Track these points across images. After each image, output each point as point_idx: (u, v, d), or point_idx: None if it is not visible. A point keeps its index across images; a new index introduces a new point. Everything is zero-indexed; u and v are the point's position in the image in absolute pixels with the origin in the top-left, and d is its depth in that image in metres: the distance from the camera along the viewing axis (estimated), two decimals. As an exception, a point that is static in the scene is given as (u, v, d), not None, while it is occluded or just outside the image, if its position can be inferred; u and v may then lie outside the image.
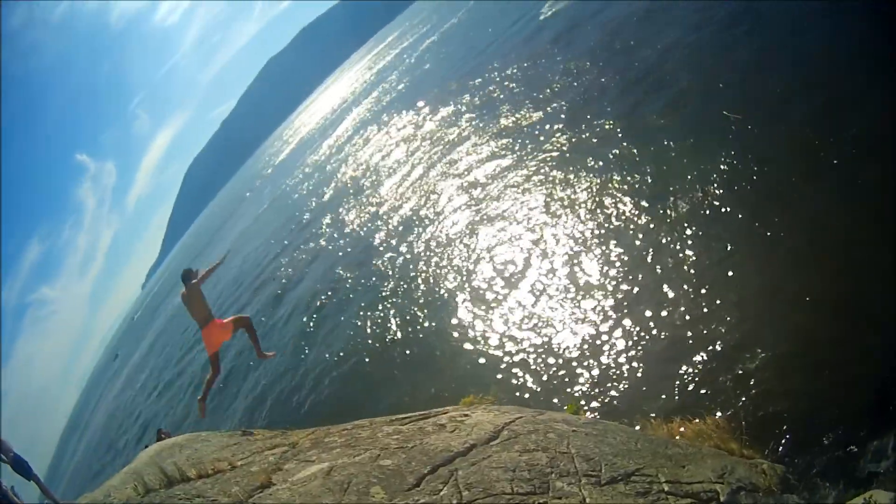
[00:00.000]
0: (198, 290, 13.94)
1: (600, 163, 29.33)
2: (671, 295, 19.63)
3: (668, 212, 22.56)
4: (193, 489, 8.20)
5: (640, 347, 18.42)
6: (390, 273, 36.96)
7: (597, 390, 18.09)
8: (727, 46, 29.12)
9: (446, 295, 29.44)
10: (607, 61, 39.46)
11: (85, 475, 61.16)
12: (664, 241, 21.75)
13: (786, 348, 15.37)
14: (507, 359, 22.08)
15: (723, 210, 21.18)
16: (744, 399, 14.35)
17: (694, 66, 29.99)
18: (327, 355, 33.41)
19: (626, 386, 17.31)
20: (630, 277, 21.49)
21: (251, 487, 7.90)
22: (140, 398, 67.40)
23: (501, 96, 50.80)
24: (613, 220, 24.91)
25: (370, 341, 31.37)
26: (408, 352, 27.81)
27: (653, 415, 14.87)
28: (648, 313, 19.58)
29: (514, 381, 20.79)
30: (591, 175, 29.21)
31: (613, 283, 21.67)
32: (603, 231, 24.78)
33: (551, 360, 20.43)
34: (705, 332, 17.49)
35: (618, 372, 18.02)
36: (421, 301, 31.09)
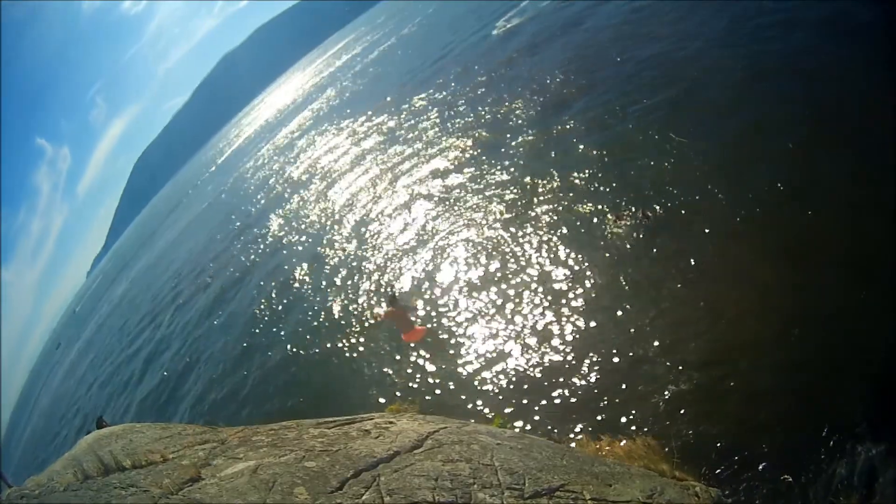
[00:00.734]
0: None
1: (543, 177, 29.78)
2: (605, 314, 19.82)
3: (606, 230, 23.03)
4: (128, 479, 8.20)
5: (570, 365, 18.56)
6: (328, 277, 36.99)
7: (524, 405, 18.18)
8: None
9: (381, 303, 29.54)
10: (564, 74, 40.27)
11: (30, 461, 59.88)
12: (601, 260, 22.14)
13: (720, 372, 15.66)
14: (435, 369, 22.16)
15: (662, 231, 21.64)
16: (675, 420, 14.55)
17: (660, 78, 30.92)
18: (261, 357, 33.29)
19: (555, 402, 17.44)
20: (565, 294, 21.67)
21: (181, 480, 7.92)
22: (81, 389, 66.15)
23: (451, 103, 51.38)
24: (551, 236, 25.24)
25: (301, 344, 31.40)
26: (338, 358, 27.74)
27: (580, 432, 15.06)
28: (581, 331, 19.75)
29: (441, 392, 20.86)
30: (533, 189, 29.62)
31: (548, 299, 21.82)
32: (540, 247, 25.09)
33: (480, 373, 20.49)
34: (638, 351, 17.74)
35: (547, 388, 18.16)
36: (355, 307, 31.16)
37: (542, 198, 27.96)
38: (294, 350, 31.33)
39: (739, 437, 13.96)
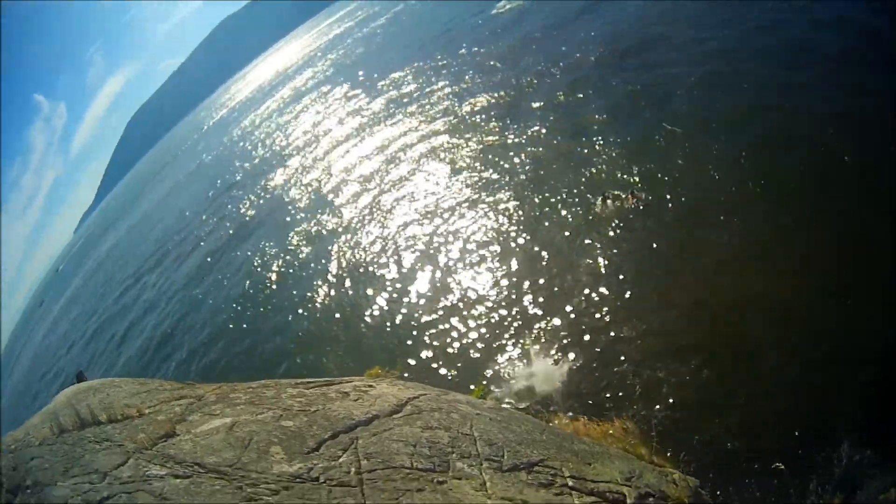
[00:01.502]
0: None
1: (526, 158, 30.06)
2: (587, 295, 19.89)
3: (595, 211, 23.12)
4: (103, 433, 8.11)
5: (553, 344, 18.62)
6: (313, 240, 37.14)
7: (504, 379, 18.26)
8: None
9: (365, 268, 29.61)
10: (556, 55, 40.39)
11: (10, 420, 59.73)
12: (587, 241, 22.19)
13: (699, 360, 15.66)
14: (417, 337, 22.27)
15: (650, 213, 21.71)
16: (654, 406, 14.55)
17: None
18: (243, 318, 33.39)
19: (535, 379, 17.48)
20: (550, 272, 21.80)
21: (156, 436, 7.82)
22: (62, 349, 65.70)
23: (443, 77, 51.60)
24: (537, 213, 25.45)
25: (286, 305, 31.49)
26: (321, 319, 27.94)
27: (558, 410, 15.05)
28: (563, 310, 19.82)
29: (423, 359, 20.96)
30: (518, 168, 29.76)
31: (534, 277, 21.93)
32: (526, 224, 25.25)
33: (463, 344, 20.61)
34: (619, 334, 17.75)
35: (528, 364, 18.22)
36: (339, 271, 31.21)
37: (535, 179, 27.97)
38: (276, 311, 31.40)
39: (719, 429, 13.95)
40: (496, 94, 40.50)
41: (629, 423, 11.36)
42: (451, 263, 25.44)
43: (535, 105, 35.01)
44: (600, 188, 23.84)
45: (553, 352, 18.16)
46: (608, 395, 15.62)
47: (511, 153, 31.38)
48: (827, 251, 17.07)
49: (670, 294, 18.20)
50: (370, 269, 29.20)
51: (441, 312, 22.72)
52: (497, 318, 20.78)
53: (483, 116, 38.33)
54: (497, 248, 24.57)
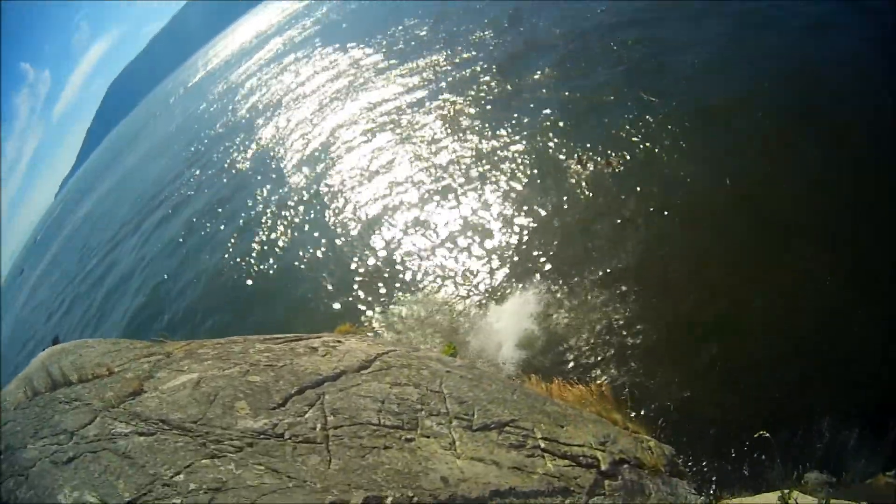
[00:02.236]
0: None
1: (513, 122, 30.02)
2: (563, 257, 19.99)
3: (570, 173, 23.18)
4: (73, 393, 8.01)
5: (525, 305, 18.66)
6: (287, 196, 37.35)
7: (475, 338, 18.28)
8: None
9: (339, 226, 29.80)
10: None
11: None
12: (561, 200, 22.30)
13: (677, 330, 15.69)
14: (388, 294, 22.44)
15: (625, 176, 21.79)
16: (630, 373, 14.58)
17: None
18: (219, 278, 33.60)
19: (507, 340, 17.50)
20: (525, 232, 21.97)
21: (124, 393, 7.70)
22: (40, 317, 65.18)
23: (428, 41, 51.38)
24: (512, 172, 25.75)
25: (258, 261, 31.95)
26: (293, 277, 28.27)
27: (530, 372, 15.01)
28: (540, 272, 19.89)
29: (394, 317, 21.07)
30: (501, 127, 29.83)
31: (507, 237, 22.11)
32: (499, 183, 25.47)
33: (434, 302, 20.74)
34: (594, 299, 17.78)
35: (499, 325, 18.25)
36: (312, 226, 31.50)
37: (509, 142, 28.00)
38: (249, 271, 31.55)
39: (696, 398, 13.98)
40: (485, 61, 40.30)
41: (604, 387, 11.26)
42: (423, 222, 25.67)
43: (519, 74, 34.90)
44: (575, 151, 23.89)
45: (525, 313, 18.17)
46: (581, 360, 15.65)
47: (490, 116, 31.65)
48: (803, 219, 17.17)
49: (645, 259, 18.25)
50: (344, 228, 29.37)
51: (412, 271, 23.02)
52: (469, 279, 20.90)
53: (467, 83, 38.16)
54: (469, 206, 24.73)
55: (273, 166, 45.56)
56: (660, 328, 15.85)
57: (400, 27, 62.09)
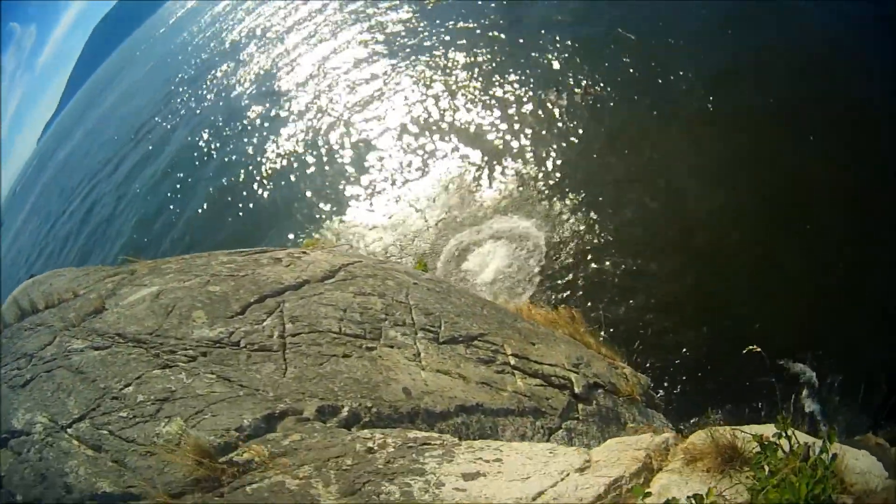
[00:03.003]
0: None
1: (486, 50, 29.89)
2: (538, 184, 19.99)
3: (547, 99, 23.12)
4: (38, 319, 7.84)
5: (497, 230, 18.66)
6: (264, 125, 37.46)
7: (446, 258, 18.24)
8: None
9: (313, 147, 29.98)
10: None
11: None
12: (539, 128, 22.27)
13: (654, 258, 15.61)
14: (358, 212, 22.58)
15: (600, 106, 21.71)
16: (604, 299, 14.47)
17: None
18: (190, 205, 34.02)
19: (477, 260, 17.43)
20: (506, 159, 21.97)
21: (85, 312, 7.50)
22: (21, 262, 64.86)
23: None
24: (490, 100, 25.81)
25: (225, 188, 32.33)
26: (262, 195, 28.77)
27: (499, 291, 14.90)
28: (514, 197, 19.97)
29: (363, 233, 21.04)
30: (477, 59, 29.64)
31: (489, 164, 22.17)
32: (479, 109, 25.56)
33: (403, 222, 20.80)
34: (569, 226, 17.71)
35: (470, 247, 18.20)
36: (286, 151, 31.49)
37: (492, 70, 27.90)
38: (217, 193, 31.54)
39: (673, 332, 13.89)
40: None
41: (575, 311, 11.03)
42: (399, 147, 25.79)
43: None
44: (553, 81, 23.75)
45: (497, 236, 18.15)
46: (555, 283, 15.54)
47: (473, 47, 31.14)
48: (781, 161, 17.05)
49: (622, 188, 18.17)
50: (318, 148, 29.39)
51: (385, 190, 23.17)
52: (443, 203, 20.87)
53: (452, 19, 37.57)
54: (448, 132, 24.75)
55: (249, 93, 45.52)
56: (634, 258, 15.76)
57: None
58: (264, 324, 6.72)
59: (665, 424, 8.69)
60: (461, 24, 33.98)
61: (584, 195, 18.57)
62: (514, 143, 22.02)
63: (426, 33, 34.87)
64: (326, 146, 29.51)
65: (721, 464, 3.64)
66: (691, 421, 11.49)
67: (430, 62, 31.36)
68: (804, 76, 18.93)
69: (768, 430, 7.03)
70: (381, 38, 38.22)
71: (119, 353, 6.42)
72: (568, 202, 18.35)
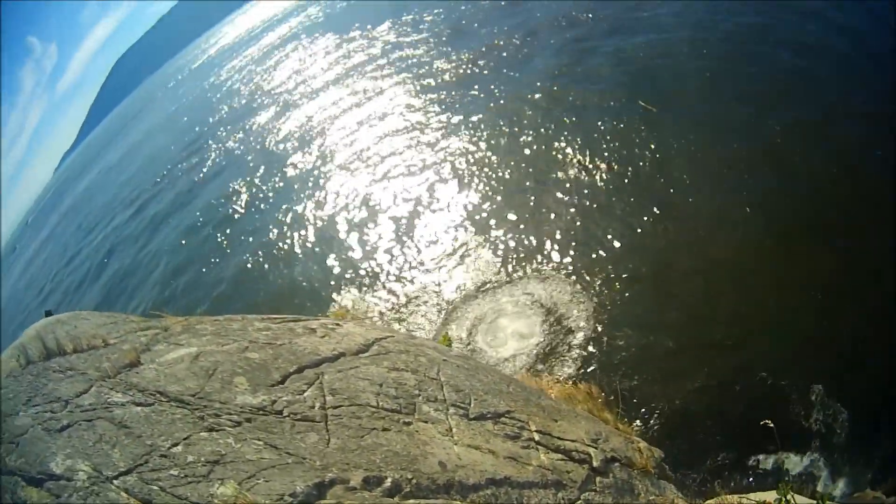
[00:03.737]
0: None
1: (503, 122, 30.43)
2: (555, 257, 20.31)
3: (570, 174, 23.38)
4: (67, 362, 7.99)
5: (517, 303, 18.89)
6: (285, 183, 38.12)
7: (469, 333, 18.47)
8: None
9: (335, 213, 30.25)
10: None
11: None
12: (560, 202, 22.58)
13: (666, 331, 15.86)
14: (384, 281, 22.87)
15: (624, 181, 22.06)
16: (619, 374, 14.68)
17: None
18: (216, 258, 34.30)
19: (500, 335, 17.66)
20: (520, 233, 22.23)
21: (120, 364, 7.70)
22: (31, 295, 65.01)
23: (431, 33, 52.09)
24: (509, 173, 26.42)
25: (255, 246, 32.49)
26: (288, 262, 28.98)
27: (521, 368, 15.16)
28: (532, 272, 20.23)
29: (389, 304, 21.42)
30: (493, 130, 30.24)
31: (502, 236, 22.47)
32: (497, 182, 26.22)
33: (428, 293, 21.01)
34: (582, 301, 17.95)
35: (493, 320, 18.46)
36: (307, 215, 31.87)
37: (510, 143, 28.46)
38: (243, 252, 32.07)
39: (684, 401, 14.09)
40: (482, 59, 40.48)
41: (593, 387, 11.33)
42: (420, 217, 26.02)
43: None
44: (573, 159, 24.27)
45: (517, 309, 18.37)
46: (573, 359, 15.77)
47: (492, 116, 31.82)
48: (789, 221, 17.51)
49: (636, 264, 18.45)
50: (340, 214, 29.69)
51: (406, 260, 23.33)
52: (463, 272, 21.18)
53: (467, 80, 38.36)
54: (470, 202, 25.21)
55: (273, 147, 46.19)
56: (647, 331, 16.03)
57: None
58: (305, 394, 7.02)
59: (677, 495, 8.91)
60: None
61: (598, 266, 19.02)
62: (536, 215, 22.47)
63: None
64: (360, 210, 29.80)
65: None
66: (703, 489, 11.68)
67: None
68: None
69: (772, 496, 7.30)
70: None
71: (163, 412, 6.64)
72: (589, 280, 18.64)
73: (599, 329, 16.61)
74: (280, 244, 30.66)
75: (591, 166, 23.46)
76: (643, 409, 14.10)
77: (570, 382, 11.71)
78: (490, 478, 6.56)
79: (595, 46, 33.89)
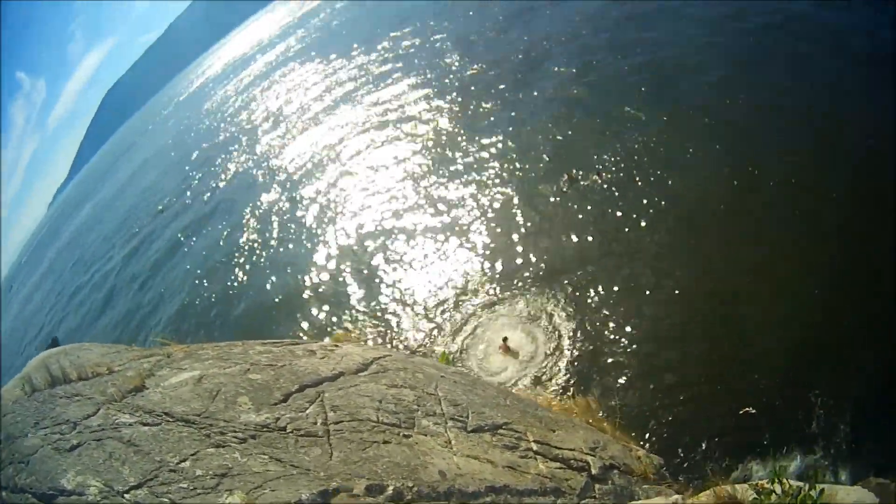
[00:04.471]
0: None
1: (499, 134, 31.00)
2: (550, 272, 20.36)
3: (560, 186, 23.74)
4: (73, 389, 8.22)
5: (514, 319, 19.01)
6: (280, 212, 37.75)
7: (467, 349, 18.58)
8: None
9: (333, 239, 30.10)
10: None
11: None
12: (552, 215, 22.79)
13: (665, 341, 15.96)
14: (383, 304, 22.74)
15: (613, 191, 22.26)
16: (617, 387, 14.78)
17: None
18: (213, 288, 33.88)
19: (498, 352, 17.74)
20: (516, 249, 22.31)
21: (126, 389, 7.90)
22: (30, 331, 64.60)
23: (418, 56, 52.34)
24: (505, 187, 26.42)
25: (252, 275, 32.24)
26: (285, 287, 28.61)
27: (519, 383, 15.31)
28: (529, 288, 20.22)
29: (388, 325, 21.37)
30: (490, 143, 30.52)
31: (499, 252, 22.57)
32: (493, 198, 26.08)
33: (426, 314, 21.10)
34: (581, 316, 18.07)
35: (491, 339, 18.52)
36: (306, 241, 31.80)
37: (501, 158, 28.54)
38: (243, 281, 31.87)
39: (681, 410, 14.19)
40: (482, 72, 40.97)
41: (591, 400, 11.52)
42: (415, 237, 26.17)
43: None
44: (565, 167, 24.61)
45: (514, 327, 18.49)
46: (570, 373, 15.88)
47: (486, 127, 32.40)
48: (779, 229, 17.70)
49: (633, 274, 18.61)
50: (337, 239, 29.68)
51: (406, 283, 23.43)
52: (458, 293, 21.26)
53: (464, 95, 38.75)
54: (462, 222, 25.10)
55: (268, 178, 46.09)
56: (644, 343, 16.15)
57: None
58: (307, 411, 7.22)
59: (676, 498, 9.01)
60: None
61: (594, 279, 19.08)
62: (531, 230, 22.56)
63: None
64: (357, 238, 29.79)
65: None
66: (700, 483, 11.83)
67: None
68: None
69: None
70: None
71: (170, 431, 6.85)
72: (580, 293, 18.79)
73: (596, 343, 16.71)
74: (274, 273, 30.74)
75: (580, 177, 23.68)
76: (641, 418, 14.18)
77: (568, 395, 11.86)
78: (489, 486, 6.75)
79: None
